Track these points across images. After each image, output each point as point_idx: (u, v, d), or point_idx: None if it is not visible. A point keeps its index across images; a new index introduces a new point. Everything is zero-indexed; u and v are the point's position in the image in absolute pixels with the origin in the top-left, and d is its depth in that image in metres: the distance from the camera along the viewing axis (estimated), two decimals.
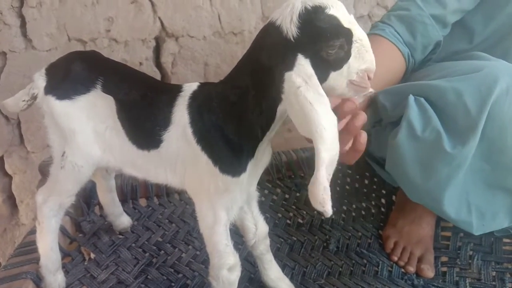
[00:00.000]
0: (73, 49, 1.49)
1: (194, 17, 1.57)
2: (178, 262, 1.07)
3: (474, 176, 0.90)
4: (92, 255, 1.08)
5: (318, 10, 0.63)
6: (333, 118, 0.62)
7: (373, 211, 1.28)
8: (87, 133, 0.83)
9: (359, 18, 1.76)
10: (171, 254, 1.10)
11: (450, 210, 0.92)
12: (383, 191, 1.35)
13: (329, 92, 0.68)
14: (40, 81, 0.84)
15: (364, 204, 1.30)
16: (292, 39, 0.63)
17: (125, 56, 1.55)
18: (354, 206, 1.29)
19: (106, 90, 0.81)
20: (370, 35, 1.03)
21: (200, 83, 0.80)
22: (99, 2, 1.48)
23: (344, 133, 0.71)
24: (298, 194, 1.34)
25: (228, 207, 0.79)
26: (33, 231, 1.08)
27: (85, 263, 1.07)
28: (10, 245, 1.66)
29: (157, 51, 1.61)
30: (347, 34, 0.64)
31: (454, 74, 0.92)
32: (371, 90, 0.69)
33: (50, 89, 0.82)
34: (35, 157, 1.56)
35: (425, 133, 0.88)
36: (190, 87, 0.79)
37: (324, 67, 0.65)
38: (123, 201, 1.25)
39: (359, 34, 0.66)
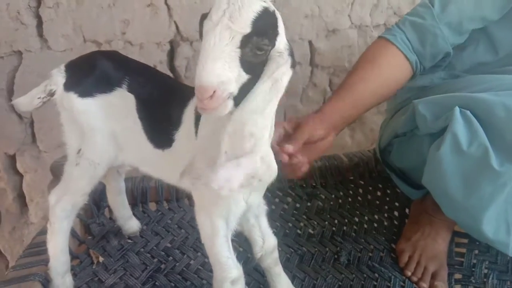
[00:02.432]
0: (88, 51, 1.48)
1: None
2: (186, 269, 1.06)
3: None
4: (101, 259, 1.07)
5: None
6: None
7: (385, 223, 1.26)
8: (106, 131, 0.84)
9: (375, 27, 1.74)
10: (180, 261, 1.09)
11: (488, 230, 0.87)
12: (396, 204, 1.32)
13: None
14: (59, 77, 0.83)
15: (376, 216, 1.28)
16: None
17: (139, 59, 1.53)
18: (366, 218, 1.27)
19: (131, 89, 0.81)
20: (381, 38, 1.07)
21: None
22: (115, 4, 1.48)
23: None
24: (309, 204, 1.32)
25: (224, 216, 0.77)
26: (43, 232, 1.07)
27: (93, 267, 1.06)
28: (18, 243, 1.66)
29: (171, 54, 1.60)
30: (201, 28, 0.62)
31: (499, 88, 0.89)
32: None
33: (71, 86, 0.82)
34: (46, 157, 1.57)
35: (471, 148, 0.84)
36: None
37: None
38: (133, 204, 1.24)
39: (206, 33, 0.60)
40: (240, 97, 0.62)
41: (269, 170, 0.67)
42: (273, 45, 0.63)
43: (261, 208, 0.89)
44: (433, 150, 0.90)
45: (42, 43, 1.48)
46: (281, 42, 0.64)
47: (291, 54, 0.65)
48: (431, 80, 1.17)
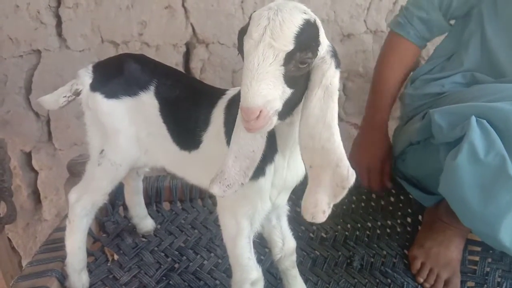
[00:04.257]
0: (106, 51, 1.53)
1: (225, 24, 1.58)
2: (200, 269, 1.07)
3: None
4: (115, 257, 1.08)
5: None
6: None
7: (398, 229, 1.25)
8: (129, 133, 0.84)
9: None
10: (193, 261, 1.10)
11: (506, 239, 0.87)
12: (409, 210, 1.32)
13: None
14: (86, 77, 0.84)
15: (389, 222, 1.27)
16: None
17: None
18: (379, 223, 1.27)
19: (157, 92, 0.82)
20: (396, 34, 1.26)
21: None
22: (133, 6, 1.50)
23: None
24: None
25: (249, 216, 0.77)
26: (59, 229, 1.09)
27: (108, 264, 1.07)
28: (31, 239, 1.68)
29: (187, 56, 1.62)
30: (241, 45, 0.62)
31: None
32: None
33: (98, 87, 0.83)
34: (62, 155, 1.59)
35: (488, 157, 0.84)
36: (233, 90, 0.79)
37: None
38: (147, 204, 1.25)
39: (248, 53, 0.59)
40: (283, 111, 0.61)
41: (350, 176, 0.64)
42: (316, 55, 0.61)
43: (284, 208, 0.89)
44: (449, 159, 0.90)
45: (61, 43, 1.50)
46: (323, 47, 0.62)
47: (334, 54, 0.63)
48: (442, 86, 1.17)
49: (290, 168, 0.78)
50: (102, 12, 1.49)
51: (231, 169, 0.66)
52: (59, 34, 1.50)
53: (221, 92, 0.80)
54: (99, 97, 0.83)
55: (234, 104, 0.75)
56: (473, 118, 0.87)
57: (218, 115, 0.77)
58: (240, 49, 0.61)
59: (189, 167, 0.85)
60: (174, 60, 1.59)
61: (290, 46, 0.57)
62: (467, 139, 0.86)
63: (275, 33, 0.56)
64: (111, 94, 0.82)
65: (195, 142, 0.80)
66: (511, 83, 1.01)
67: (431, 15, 1.19)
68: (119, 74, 0.83)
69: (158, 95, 0.82)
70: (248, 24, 0.60)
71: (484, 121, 0.87)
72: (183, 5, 1.53)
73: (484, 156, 0.85)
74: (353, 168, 1.35)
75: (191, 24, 1.56)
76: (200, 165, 0.82)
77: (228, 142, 0.74)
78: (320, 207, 0.65)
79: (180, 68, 1.61)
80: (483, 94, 0.99)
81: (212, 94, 0.80)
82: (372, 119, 1.30)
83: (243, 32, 0.60)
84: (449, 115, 0.95)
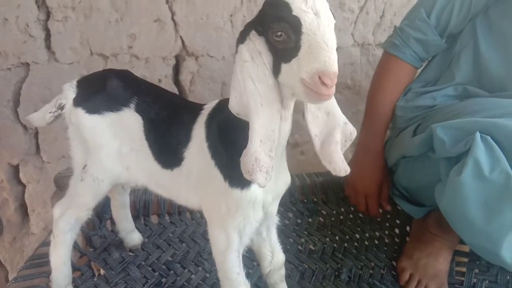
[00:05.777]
0: (95, 64, 1.53)
1: (214, 37, 1.60)
2: (187, 284, 1.06)
3: None
4: (102, 271, 1.07)
5: None
6: (274, 99, 0.65)
7: (386, 240, 1.26)
8: (111, 150, 0.84)
9: (378, 45, 1.77)
10: (181, 275, 1.09)
11: (507, 255, 0.86)
12: (397, 221, 1.33)
13: (289, 91, 0.67)
14: (70, 92, 0.85)
15: (377, 233, 1.28)
16: (254, 17, 0.66)
17: (145, 73, 1.57)
18: (367, 234, 1.27)
19: (139, 109, 0.82)
20: (391, 56, 1.23)
21: (220, 100, 0.80)
22: (123, 19, 1.51)
23: None
24: (310, 220, 1.32)
25: (240, 229, 0.77)
26: (44, 243, 1.08)
27: (95, 279, 1.06)
28: (18, 253, 1.66)
29: (177, 69, 1.63)
30: (292, 21, 0.58)
31: None
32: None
33: (80, 102, 0.83)
34: (50, 168, 1.58)
35: (493, 174, 0.84)
36: (211, 104, 0.80)
37: (276, 56, 0.63)
38: (135, 217, 1.24)
39: (313, 27, 0.58)
40: None
41: (353, 129, 0.74)
42: None
43: (274, 219, 0.89)
44: (454, 175, 0.89)
45: (49, 56, 1.50)
46: None
47: None
48: (433, 98, 1.17)
49: (279, 171, 0.78)
50: (91, 25, 1.50)
51: (261, 153, 0.64)
52: (48, 47, 1.49)
53: (199, 107, 0.81)
54: (81, 112, 0.83)
55: (214, 116, 0.77)
56: (478, 134, 0.87)
57: (199, 130, 0.78)
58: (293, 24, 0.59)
59: (173, 186, 0.84)
60: (163, 73, 1.59)
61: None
62: (472, 155, 0.85)
63: (323, 5, 0.60)
64: (93, 109, 0.83)
65: (177, 159, 0.80)
66: (509, 98, 1.01)
67: (428, 36, 1.16)
68: (101, 90, 0.83)
69: (139, 112, 0.82)
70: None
71: (489, 138, 0.86)
72: (172, 18, 1.55)
73: (489, 173, 0.84)
74: (349, 193, 1.33)
75: (181, 37, 1.57)
76: (185, 184, 0.81)
77: (213, 156, 0.75)
78: (343, 160, 0.72)
79: (170, 81, 1.62)
80: (482, 109, 0.98)
81: (191, 110, 0.81)
82: (368, 145, 1.26)
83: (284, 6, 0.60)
84: (452, 130, 0.93)
